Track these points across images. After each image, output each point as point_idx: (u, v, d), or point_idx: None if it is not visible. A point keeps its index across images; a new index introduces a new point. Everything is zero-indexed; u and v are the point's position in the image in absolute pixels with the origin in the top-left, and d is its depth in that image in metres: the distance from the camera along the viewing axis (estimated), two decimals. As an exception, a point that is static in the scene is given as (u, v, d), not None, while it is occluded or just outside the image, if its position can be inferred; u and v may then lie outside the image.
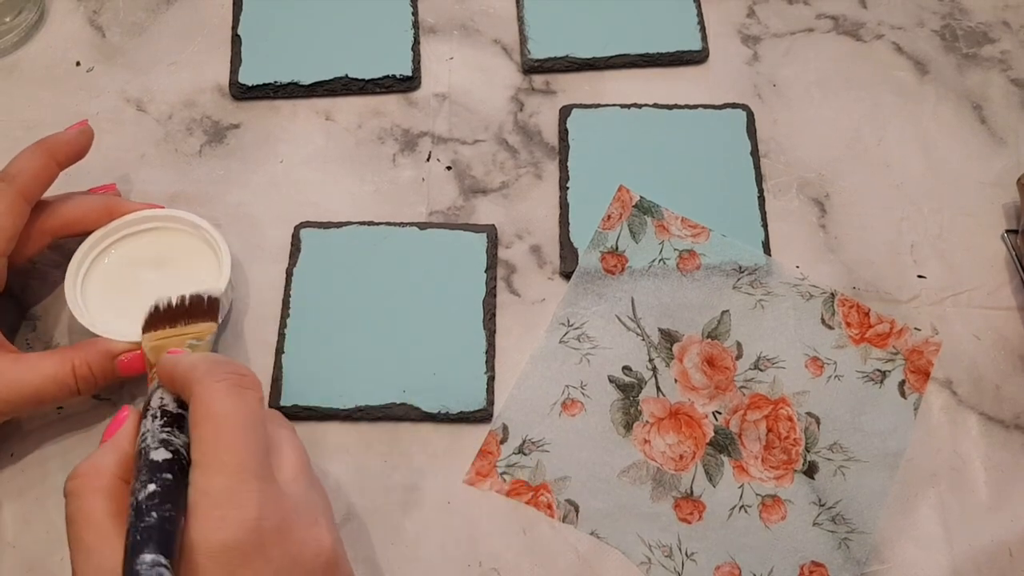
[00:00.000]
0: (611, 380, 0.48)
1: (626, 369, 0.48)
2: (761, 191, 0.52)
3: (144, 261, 0.48)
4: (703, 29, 0.57)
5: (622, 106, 0.55)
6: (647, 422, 0.47)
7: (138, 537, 0.32)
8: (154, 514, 0.33)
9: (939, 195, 0.53)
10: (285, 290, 0.49)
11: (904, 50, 0.58)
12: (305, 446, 0.45)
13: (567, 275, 0.50)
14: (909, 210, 0.53)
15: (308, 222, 0.51)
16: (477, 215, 0.52)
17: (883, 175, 0.54)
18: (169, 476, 0.35)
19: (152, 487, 0.34)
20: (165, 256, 0.48)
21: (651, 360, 0.48)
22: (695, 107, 0.55)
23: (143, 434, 0.37)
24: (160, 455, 0.35)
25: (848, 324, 0.49)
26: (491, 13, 0.59)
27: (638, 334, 0.49)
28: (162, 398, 0.38)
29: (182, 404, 0.38)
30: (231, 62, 0.56)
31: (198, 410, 0.35)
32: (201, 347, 0.42)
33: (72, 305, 0.45)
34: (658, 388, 0.47)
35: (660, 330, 0.49)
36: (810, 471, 0.46)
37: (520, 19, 0.58)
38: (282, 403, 0.46)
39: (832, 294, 0.50)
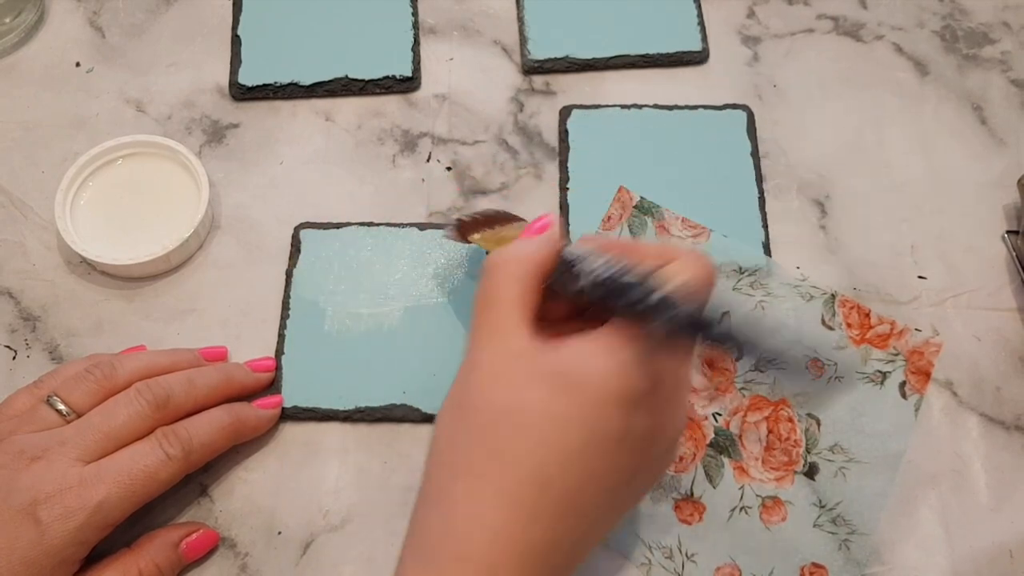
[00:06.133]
0: (611, 381, 0.47)
1: (626, 370, 0.48)
2: (761, 192, 0.52)
3: (125, 187, 0.50)
4: (703, 30, 0.57)
5: (622, 107, 0.55)
6: (647, 423, 0.47)
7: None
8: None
9: (940, 196, 0.53)
10: (285, 291, 0.49)
11: (904, 51, 0.58)
12: (307, 447, 0.46)
13: (567, 276, 0.50)
14: (910, 211, 0.53)
15: (308, 223, 0.51)
16: (477, 216, 0.52)
17: (884, 176, 0.54)
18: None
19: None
20: (144, 181, 0.51)
21: (651, 361, 0.48)
22: (695, 108, 0.55)
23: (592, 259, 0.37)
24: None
25: (849, 325, 0.49)
26: (491, 13, 0.58)
27: (638, 335, 0.48)
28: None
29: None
30: (231, 63, 0.56)
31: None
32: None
33: (65, 234, 0.48)
34: (658, 389, 0.47)
35: (660, 331, 0.49)
36: (811, 472, 0.46)
37: (520, 19, 0.58)
38: (282, 404, 0.46)
39: (832, 295, 0.50)
